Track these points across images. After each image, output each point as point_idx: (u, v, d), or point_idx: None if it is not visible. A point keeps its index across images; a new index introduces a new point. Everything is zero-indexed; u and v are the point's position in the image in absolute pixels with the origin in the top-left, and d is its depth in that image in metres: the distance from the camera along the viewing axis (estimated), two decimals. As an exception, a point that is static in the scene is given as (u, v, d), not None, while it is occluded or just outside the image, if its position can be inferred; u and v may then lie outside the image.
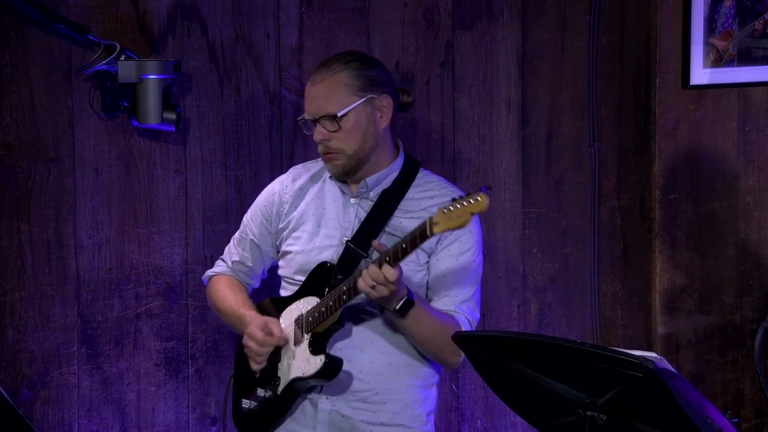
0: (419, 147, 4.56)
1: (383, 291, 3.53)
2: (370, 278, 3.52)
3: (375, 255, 3.70)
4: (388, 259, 3.52)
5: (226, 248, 4.04)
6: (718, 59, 4.63)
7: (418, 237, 3.50)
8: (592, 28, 4.67)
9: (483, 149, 4.63)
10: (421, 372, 3.81)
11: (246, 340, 3.77)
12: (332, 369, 3.67)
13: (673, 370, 2.95)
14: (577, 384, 3.03)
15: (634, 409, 2.98)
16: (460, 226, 3.45)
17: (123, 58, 4.20)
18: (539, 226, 4.68)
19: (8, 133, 4.25)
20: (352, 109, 3.70)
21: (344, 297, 3.62)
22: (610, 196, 4.73)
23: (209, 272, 4.04)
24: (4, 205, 4.26)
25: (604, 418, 3.00)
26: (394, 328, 3.71)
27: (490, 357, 3.15)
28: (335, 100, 3.70)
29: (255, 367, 3.79)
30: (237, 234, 4.01)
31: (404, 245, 3.52)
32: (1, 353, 4.27)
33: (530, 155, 4.67)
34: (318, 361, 3.66)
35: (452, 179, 4.56)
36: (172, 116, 4.26)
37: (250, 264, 3.98)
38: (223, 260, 4.03)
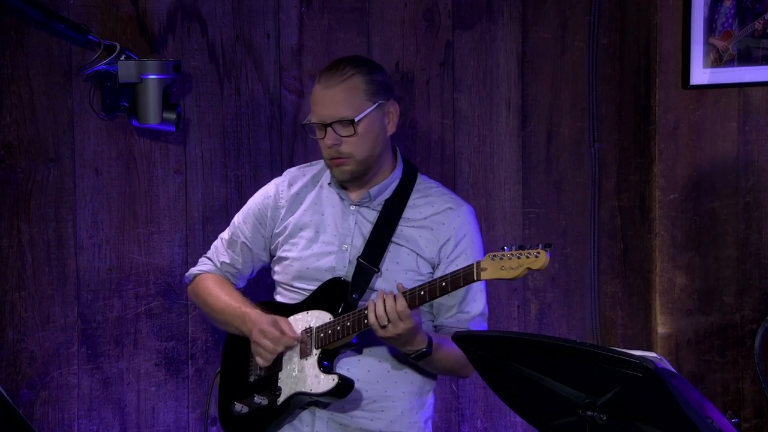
0: (419, 147, 4.56)
1: (390, 331, 3.51)
2: (384, 314, 3.49)
3: (384, 268, 3.69)
4: (423, 293, 3.51)
5: (213, 247, 3.99)
6: (718, 59, 4.62)
7: (462, 280, 3.47)
8: (592, 28, 4.67)
9: (483, 149, 4.63)
10: (418, 379, 3.79)
11: (258, 337, 3.71)
12: (344, 389, 3.65)
13: (673, 370, 2.95)
14: (577, 384, 3.03)
15: (634, 409, 2.98)
16: (512, 278, 3.42)
17: (123, 58, 4.20)
18: (539, 226, 4.68)
19: (8, 133, 4.25)
20: (366, 115, 3.68)
21: (365, 322, 3.59)
22: (610, 196, 4.72)
23: (194, 270, 3.98)
24: (4, 205, 4.26)
25: (604, 418, 3.00)
26: None
27: (490, 357, 3.15)
28: (351, 104, 3.67)
29: (262, 363, 3.74)
30: (226, 235, 3.96)
31: (443, 284, 3.49)
32: (1, 353, 4.27)
33: (530, 155, 4.67)
34: (330, 381, 3.64)
35: (452, 179, 4.56)
36: (172, 116, 4.25)
37: (239, 266, 3.93)
38: (210, 259, 3.98)
